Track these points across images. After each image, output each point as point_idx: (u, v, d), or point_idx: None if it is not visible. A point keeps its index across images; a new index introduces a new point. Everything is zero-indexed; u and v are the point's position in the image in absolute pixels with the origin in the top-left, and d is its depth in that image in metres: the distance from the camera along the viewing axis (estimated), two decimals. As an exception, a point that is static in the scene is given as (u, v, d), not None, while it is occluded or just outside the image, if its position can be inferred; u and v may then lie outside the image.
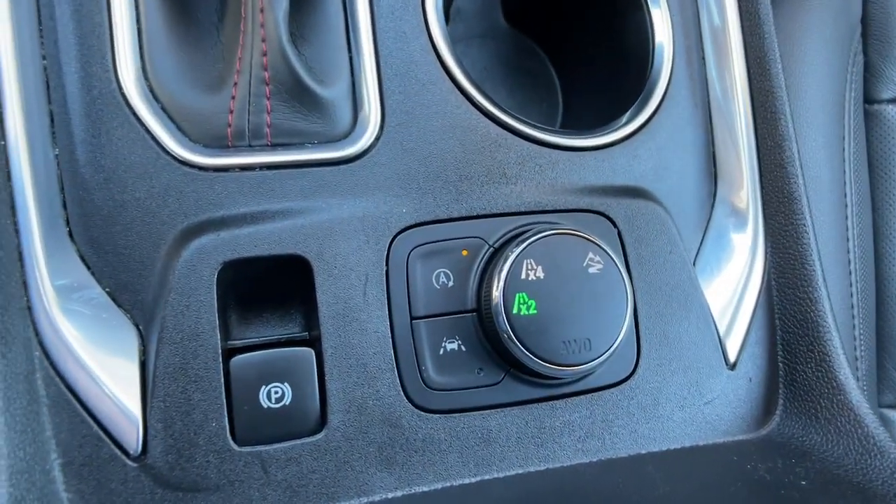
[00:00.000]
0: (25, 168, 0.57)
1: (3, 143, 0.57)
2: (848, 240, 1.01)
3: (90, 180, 0.58)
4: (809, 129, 0.99)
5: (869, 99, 1.08)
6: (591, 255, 0.62)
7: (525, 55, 0.97)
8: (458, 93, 0.66)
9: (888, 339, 1.08)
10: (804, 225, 0.71)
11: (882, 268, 1.06)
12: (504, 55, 0.96)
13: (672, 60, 0.73)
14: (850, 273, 1.01)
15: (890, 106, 1.08)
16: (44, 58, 0.59)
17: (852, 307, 1.02)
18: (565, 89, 0.95)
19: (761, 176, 0.74)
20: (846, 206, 1.02)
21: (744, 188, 0.73)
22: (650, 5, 0.73)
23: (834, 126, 1.02)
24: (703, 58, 0.75)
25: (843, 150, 1.02)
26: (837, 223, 1.02)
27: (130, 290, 0.58)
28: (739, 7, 0.76)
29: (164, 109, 0.60)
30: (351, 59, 0.65)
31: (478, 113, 0.66)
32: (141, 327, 0.58)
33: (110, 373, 0.56)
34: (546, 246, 0.61)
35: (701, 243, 0.72)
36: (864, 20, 1.06)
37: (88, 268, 0.58)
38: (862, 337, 1.04)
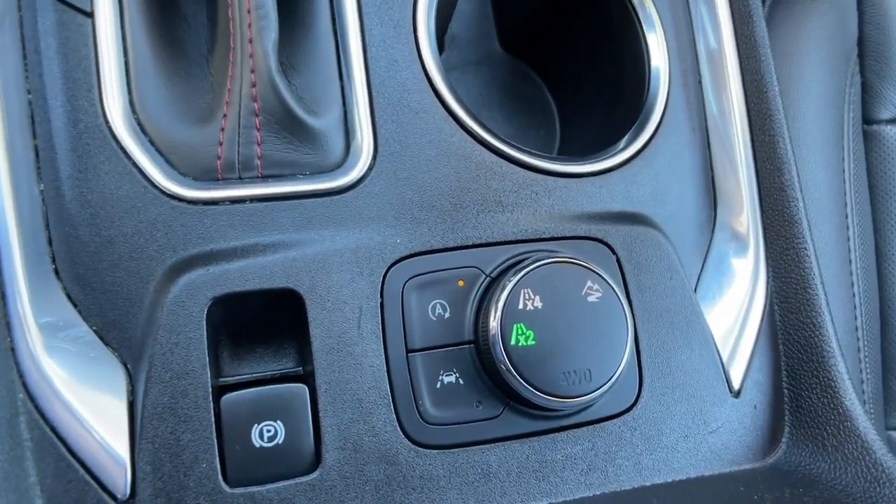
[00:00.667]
0: (9, 205, 0.56)
1: None
2: (850, 262, 1.00)
3: (76, 216, 0.57)
4: (809, 151, 0.99)
5: (868, 119, 1.07)
6: (589, 283, 0.61)
7: (521, 81, 0.96)
8: (451, 121, 0.65)
9: (894, 361, 1.06)
10: (805, 249, 0.70)
11: (885, 289, 1.05)
12: (500, 81, 0.96)
13: (668, 84, 0.72)
14: (854, 295, 1.00)
15: (889, 126, 1.07)
16: (28, 92, 0.58)
17: (856, 329, 1.01)
18: (562, 114, 0.94)
19: (761, 200, 0.73)
20: (848, 227, 1.00)
21: (744, 212, 0.72)
22: (645, 30, 0.73)
23: (833, 147, 1.01)
24: (700, 81, 0.75)
25: (844, 171, 1.01)
26: (839, 245, 1.01)
27: (118, 327, 0.56)
28: (735, 30, 0.75)
29: (152, 143, 0.59)
30: (343, 88, 0.64)
31: (472, 141, 0.65)
32: (129, 366, 0.56)
33: (97, 414, 0.54)
34: (544, 275, 0.60)
35: (701, 269, 0.71)
36: (861, 41, 1.06)
37: (75, 305, 0.56)
38: (867, 359, 1.02)
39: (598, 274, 0.61)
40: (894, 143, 1.07)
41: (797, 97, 0.99)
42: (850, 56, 1.06)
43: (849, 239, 1.00)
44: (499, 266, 0.63)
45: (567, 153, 0.90)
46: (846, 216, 1.02)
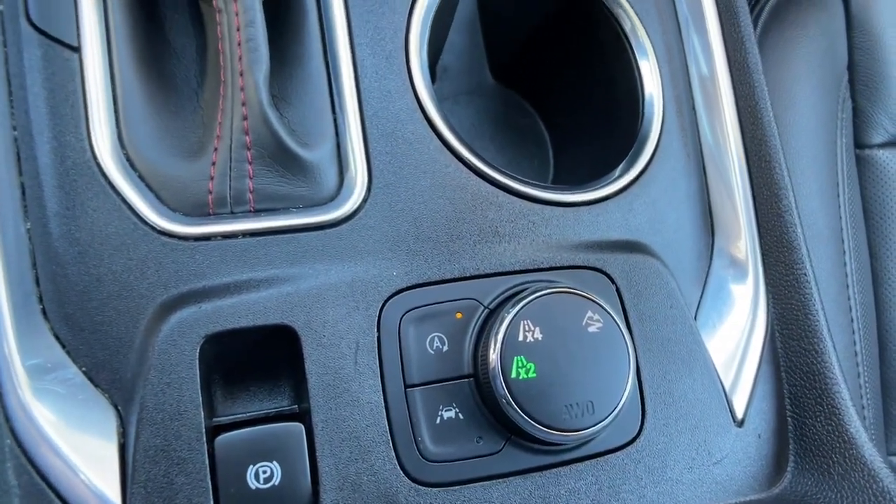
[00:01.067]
0: None
1: None
2: (848, 287, 1.00)
3: (64, 254, 0.56)
4: (803, 177, 0.99)
5: (860, 144, 1.07)
6: (590, 313, 0.60)
7: (514, 111, 0.96)
8: (446, 151, 0.64)
9: (893, 386, 1.06)
10: (805, 275, 0.69)
11: (883, 314, 1.05)
12: (492, 111, 0.95)
13: (662, 111, 0.71)
14: (853, 321, 0.99)
15: (881, 150, 1.07)
16: (14, 128, 0.57)
17: (856, 355, 1.00)
18: (555, 144, 0.94)
19: (759, 226, 0.72)
20: (844, 252, 1.00)
21: (742, 238, 0.71)
22: (638, 57, 0.72)
23: (828, 173, 1.01)
24: (694, 107, 0.74)
25: (838, 196, 1.01)
26: (836, 271, 1.00)
27: (108, 368, 0.55)
28: (728, 57, 0.75)
29: (141, 178, 0.58)
30: (335, 120, 0.63)
31: (467, 171, 0.65)
32: (120, 408, 0.54)
33: (87, 458, 0.53)
34: (543, 306, 0.59)
35: (701, 296, 0.70)
36: (851, 66, 1.06)
37: (63, 346, 0.55)
38: (867, 385, 1.02)
39: (598, 304, 0.60)
40: (887, 168, 1.07)
41: (790, 123, 0.99)
42: (841, 81, 1.06)
43: (845, 264, 1.00)
44: (497, 297, 0.62)
45: (561, 183, 0.90)
46: (842, 241, 1.01)
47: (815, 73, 1.03)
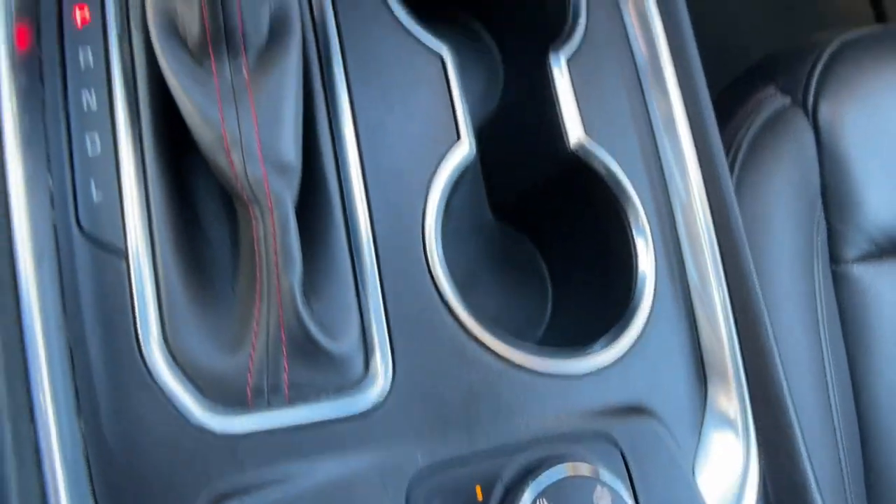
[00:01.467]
0: (55, 448, 0.59)
1: (33, 426, 0.59)
2: (831, 407, 1.05)
3: (115, 451, 0.60)
4: (784, 304, 1.04)
5: (835, 260, 1.13)
6: (598, 488, 0.64)
7: (513, 247, 1.01)
8: (463, 333, 0.70)
9: (878, 491, 1.11)
10: (791, 428, 0.75)
11: (865, 425, 1.10)
12: (493, 246, 1.00)
13: (655, 284, 0.77)
14: (837, 442, 1.04)
15: (856, 265, 1.13)
16: (68, 336, 0.62)
17: (842, 471, 1.05)
18: (554, 278, 0.99)
19: (748, 380, 0.77)
20: (826, 374, 1.06)
21: (732, 395, 0.76)
22: (635, 235, 0.78)
23: (807, 298, 1.06)
24: (685, 271, 0.80)
25: (818, 322, 1.06)
26: (818, 389, 1.05)
27: None
28: (711, 209, 0.81)
29: (185, 375, 0.63)
30: (361, 310, 0.68)
31: (482, 350, 0.69)
32: None
33: None
34: (555, 486, 0.64)
35: (697, 448, 0.75)
36: (824, 191, 1.13)
37: None
38: (853, 499, 1.07)
39: (605, 483, 0.65)
40: (862, 280, 1.13)
41: (770, 253, 1.05)
42: (815, 206, 1.12)
43: (828, 387, 1.05)
44: (513, 472, 0.66)
45: (561, 318, 0.95)
46: (823, 359, 1.07)
47: (791, 203, 1.09)
